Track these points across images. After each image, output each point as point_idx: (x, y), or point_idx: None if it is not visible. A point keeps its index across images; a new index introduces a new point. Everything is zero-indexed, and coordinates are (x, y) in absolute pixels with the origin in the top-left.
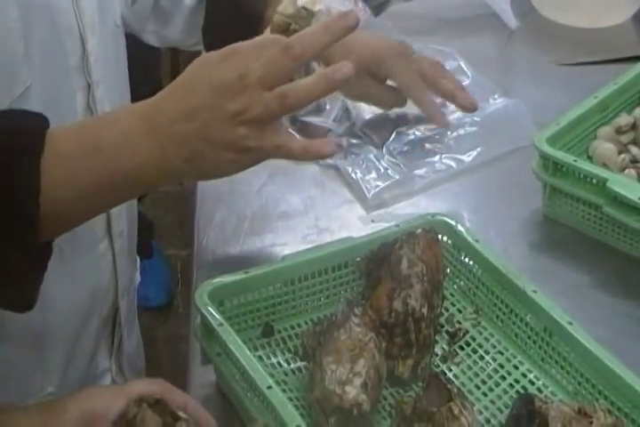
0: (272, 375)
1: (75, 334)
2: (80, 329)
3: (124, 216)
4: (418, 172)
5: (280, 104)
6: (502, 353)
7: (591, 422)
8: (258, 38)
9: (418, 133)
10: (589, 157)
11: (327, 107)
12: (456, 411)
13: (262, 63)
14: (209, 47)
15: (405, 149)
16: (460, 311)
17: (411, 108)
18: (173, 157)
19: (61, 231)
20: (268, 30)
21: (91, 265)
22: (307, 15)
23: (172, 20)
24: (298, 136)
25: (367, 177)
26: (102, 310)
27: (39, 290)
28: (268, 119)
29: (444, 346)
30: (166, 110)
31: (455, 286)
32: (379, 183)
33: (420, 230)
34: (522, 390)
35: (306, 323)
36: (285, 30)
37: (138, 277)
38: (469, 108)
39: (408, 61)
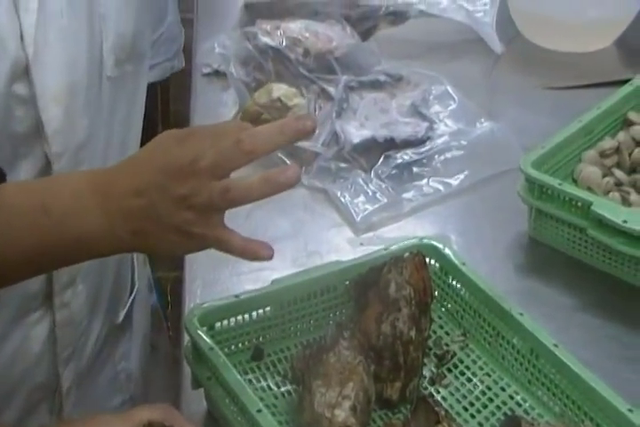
0: (262, 399)
1: None
2: (4, 394)
3: (75, 287)
4: (406, 195)
5: (222, 197)
6: (490, 375)
7: None
8: (219, 124)
9: (406, 157)
10: (574, 181)
11: (316, 131)
12: None
13: (214, 152)
14: None
15: (393, 172)
16: (447, 334)
17: (399, 133)
18: (120, 230)
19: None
20: (239, 116)
21: (16, 334)
22: (281, 107)
23: None
24: (287, 160)
25: (356, 200)
26: (35, 378)
27: None
28: (212, 209)
29: (433, 368)
30: (119, 184)
31: (443, 309)
32: (367, 207)
33: (407, 254)
34: (509, 412)
35: (295, 346)
36: (257, 119)
37: (119, 317)
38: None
39: None
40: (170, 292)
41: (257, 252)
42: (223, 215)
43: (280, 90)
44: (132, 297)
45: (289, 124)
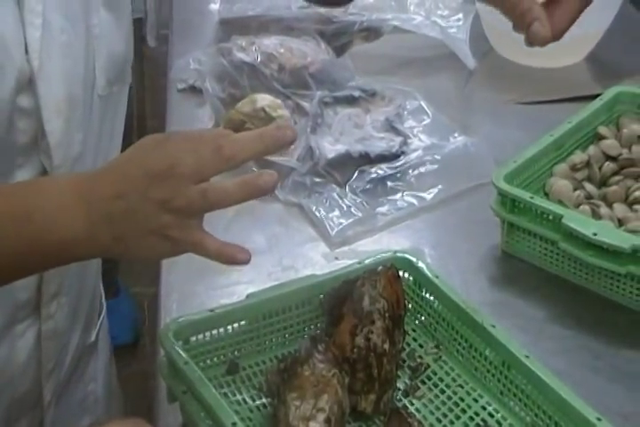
0: (237, 412)
1: None
2: None
3: (61, 298)
4: (380, 209)
5: (201, 200)
6: (463, 387)
7: None
8: (199, 130)
9: (380, 172)
10: (546, 194)
11: (291, 146)
12: None
13: (193, 158)
14: None
15: (368, 187)
16: (421, 346)
17: (373, 148)
18: (102, 234)
19: None
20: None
21: (2, 344)
22: (265, 117)
23: None
24: None
25: (330, 215)
26: (17, 389)
27: None
28: (191, 212)
29: (406, 380)
30: (100, 188)
31: (416, 322)
32: (342, 221)
33: (381, 267)
34: (482, 423)
35: (270, 360)
36: (239, 127)
37: (92, 337)
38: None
39: None
40: (147, 307)
41: (233, 255)
42: (202, 220)
43: (264, 100)
44: (101, 318)
45: (269, 133)
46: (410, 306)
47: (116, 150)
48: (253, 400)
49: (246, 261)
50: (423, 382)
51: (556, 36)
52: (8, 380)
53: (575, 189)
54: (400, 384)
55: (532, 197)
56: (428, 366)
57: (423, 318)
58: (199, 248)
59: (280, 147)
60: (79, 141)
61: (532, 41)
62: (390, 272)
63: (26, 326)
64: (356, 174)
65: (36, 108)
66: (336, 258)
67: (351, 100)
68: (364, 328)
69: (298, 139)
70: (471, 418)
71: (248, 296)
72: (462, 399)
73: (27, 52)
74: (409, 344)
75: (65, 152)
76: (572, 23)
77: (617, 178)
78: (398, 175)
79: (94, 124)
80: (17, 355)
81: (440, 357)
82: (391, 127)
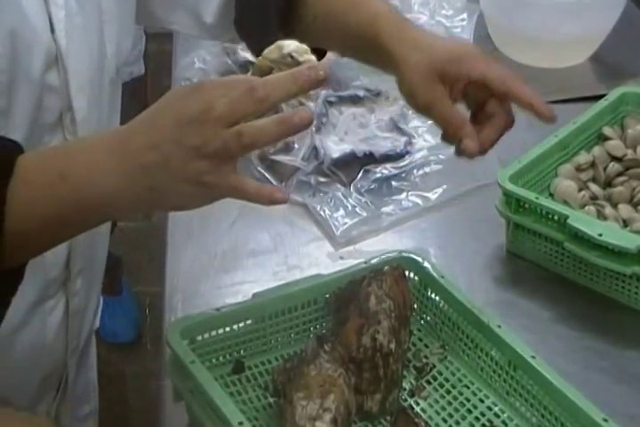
0: (243, 412)
1: (9, 390)
2: (16, 386)
3: (84, 274)
4: (385, 209)
5: (237, 142)
6: (468, 387)
7: None
8: (228, 76)
9: (385, 171)
10: (551, 195)
11: (296, 146)
12: None
13: (226, 101)
14: (245, 38)
15: (372, 186)
16: (426, 346)
17: (378, 147)
18: (138, 186)
19: (24, 259)
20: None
21: (34, 321)
22: (292, 63)
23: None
24: (267, 174)
25: (335, 214)
26: (45, 368)
27: (5, 314)
28: (226, 156)
29: (412, 380)
30: (133, 141)
31: (422, 322)
32: (347, 221)
33: (387, 267)
34: (487, 424)
35: (276, 359)
36: (267, 74)
37: (97, 323)
38: (549, 116)
39: (491, 60)
40: (149, 306)
41: (271, 194)
42: (236, 164)
43: (291, 45)
44: (99, 309)
45: (302, 73)
46: (415, 306)
47: None
48: (259, 400)
49: (284, 200)
50: (429, 383)
51: (483, 151)
52: (39, 357)
53: (580, 190)
54: (406, 384)
55: (537, 198)
56: (434, 366)
57: (429, 318)
58: (238, 191)
59: (312, 86)
60: (96, 120)
61: (460, 154)
62: (396, 272)
63: (55, 303)
64: (360, 174)
65: (63, 85)
66: (341, 257)
67: (356, 100)
68: (371, 328)
69: (302, 138)
70: (477, 418)
71: (254, 296)
72: (468, 400)
73: (52, 31)
74: (414, 344)
75: (90, 129)
76: (498, 139)
77: (622, 179)
78: (403, 175)
79: (104, 106)
80: (47, 332)
81: (446, 357)
82: (396, 127)
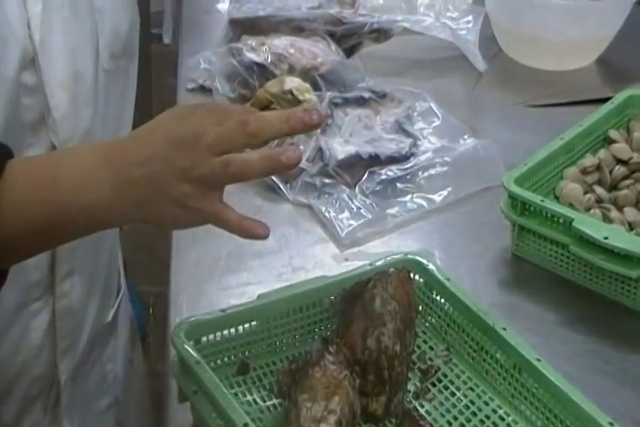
0: (248, 413)
1: None
2: (3, 388)
3: (74, 277)
4: (390, 211)
5: (223, 171)
6: (473, 390)
7: None
8: (227, 104)
9: (390, 173)
10: (556, 197)
11: (301, 147)
12: None
13: (218, 130)
14: None
15: (378, 188)
16: (431, 349)
17: (383, 149)
18: (124, 200)
19: (12, 263)
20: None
21: (18, 324)
22: (292, 100)
23: None
24: (272, 176)
25: (340, 216)
26: (34, 370)
27: None
28: (211, 183)
29: (417, 383)
30: (125, 154)
31: (427, 324)
32: (352, 222)
33: (392, 269)
34: (492, 426)
35: (281, 360)
36: (266, 107)
37: (110, 315)
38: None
39: None
40: (152, 306)
41: (253, 229)
42: (222, 192)
43: (293, 82)
44: (119, 298)
45: (296, 115)
46: (420, 308)
47: (126, 127)
48: (264, 401)
49: (264, 237)
50: (433, 385)
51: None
52: (24, 360)
53: (585, 193)
54: (410, 387)
55: (542, 200)
56: (439, 368)
57: (433, 320)
58: (219, 219)
59: (305, 129)
60: (88, 116)
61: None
62: (402, 274)
63: (40, 306)
64: (365, 176)
65: (39, 84)
66: (346, 259)
67: (361, 102)
68: (375, 330)
69: (308, 140)
70: (482, 421)
71: (259, 297)
72: (473, 402)
73: (29, 27)
74: (419, 347)
75: (72, 127)
76: None
77: (627, 182)
78: (408, 177)
79: (100, 98)
80: (31, 334)
81: (450, 359)
82: (401, 129)
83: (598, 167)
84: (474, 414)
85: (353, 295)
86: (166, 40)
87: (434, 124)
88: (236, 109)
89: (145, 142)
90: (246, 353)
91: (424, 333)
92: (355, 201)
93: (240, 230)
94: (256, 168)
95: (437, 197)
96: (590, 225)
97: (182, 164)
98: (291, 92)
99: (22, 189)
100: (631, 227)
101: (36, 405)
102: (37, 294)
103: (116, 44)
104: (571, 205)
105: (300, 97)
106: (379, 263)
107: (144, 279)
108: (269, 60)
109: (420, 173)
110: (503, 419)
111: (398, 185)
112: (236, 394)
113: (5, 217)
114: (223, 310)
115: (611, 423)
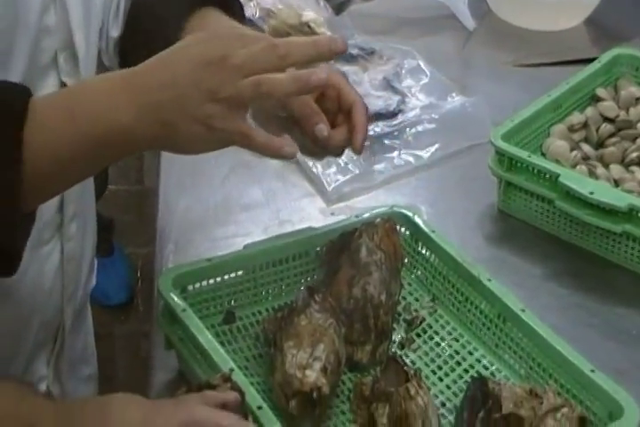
0: (234, 360)
1: (10, 336)
2: (17, 332)
3: (78, 220)
4: (377, 167)
5: (253, 90)
6: (458, 340)
7: (541, 403)
8: (250, 31)
9: (377, 130)
10: (543, 154)
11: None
12: (412, 391)
13: (247, 51)
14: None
15: (365, 144)
16: (417, 300)
17: (371, 106)
18: (151, 121)
19: (40, 201)
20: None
21: (32, 267)
22: (309, 32)
23: None
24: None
25: (327, 171)
26: (44, 315)
27: (22, 257)
28: (238, 103)
29: (402, 333)
30: (147, 79)
31: (413, 276)
32: (339, 177)
33: (378, 220)
34: (476, 375)
35: (267, 310)
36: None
37: (93, 281)
38: (357, 150)
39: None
40: (141, 268)
41: (280, 148)
42: (246, 113)
43: (309, 15)
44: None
45: (322, 41)
46: (406, 260)
47: None
48: (250, 349)
49: (292, 155)
50: (418, 335)
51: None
52: (37, 304)
53: (572, 150)
54: (396, 337)
55: (529, 156)
56: (424, 319)
57: (419, 272)
58: (246, 139)
59: (330, 56)
60: (93, 61)
61: (316, 142)
62: (388, 224)
63: (51, 248)
64: None
65: (61, 24)
66: (332, 213)
67: (349, 59)
68: (361, 279)
69: None
70: (466, 371)
71: (245, 247)
72: (457, 352)
73: None
74: (405, 298)
75: (88, 68)
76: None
77: (614, 139)
78: (395, 133)
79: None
80: (45, 278)
81: (435, 310)
82: (389, 86)
83: (585, 125)
84: (458, 363)
85: (339, 246)
86: None
87: (422, 82)
88: (260, 35)
89: (168, 65)
90: (232, 302)
91: (409, 284)
92: (342, 156)
93: (267, 149)
94: (287, 87)
95: (425, 154)
96: (576, 180)
97: (209, 84)
98: (308, 24)
99: (45, 127)
100: (617, 184)
101: (40, 355)
102: (48, 235)
103: (105, 12)
104: (557, 162)
105: (317, 29)
106: (365, 215)
107: (132, 241)
108: (257, 15)
109: (407, 129)
110: (487, 368)
111: (385, 141)
112: (221, 342)
113: (32, 155)
114: (209, 259)
115: (592, 370)
